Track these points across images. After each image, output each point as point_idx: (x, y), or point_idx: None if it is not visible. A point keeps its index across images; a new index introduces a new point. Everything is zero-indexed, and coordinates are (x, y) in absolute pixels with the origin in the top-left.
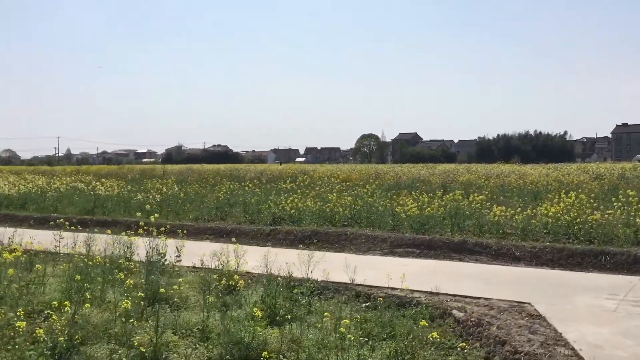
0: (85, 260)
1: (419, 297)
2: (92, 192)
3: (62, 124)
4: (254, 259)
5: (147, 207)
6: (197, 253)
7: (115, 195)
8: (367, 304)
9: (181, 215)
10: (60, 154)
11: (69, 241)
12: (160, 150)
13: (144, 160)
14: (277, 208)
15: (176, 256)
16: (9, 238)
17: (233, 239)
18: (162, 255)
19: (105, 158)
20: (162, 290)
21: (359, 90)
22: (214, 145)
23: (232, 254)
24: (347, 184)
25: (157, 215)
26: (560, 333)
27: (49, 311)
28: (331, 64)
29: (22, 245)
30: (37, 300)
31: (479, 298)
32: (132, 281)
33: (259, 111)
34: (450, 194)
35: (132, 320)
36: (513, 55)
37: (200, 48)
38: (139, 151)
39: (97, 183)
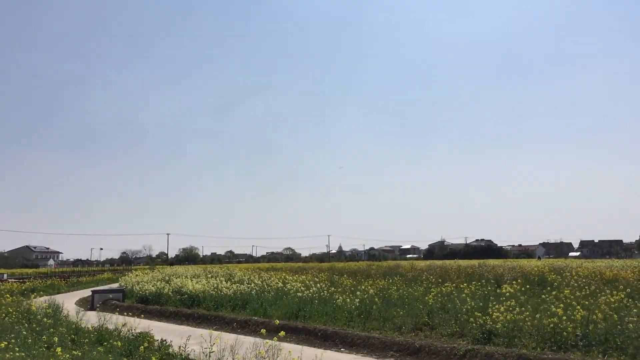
0: None
1: None
2: (295, 294)
3: (333, 222)
4: None
5: (345, 313)
6: None
7: (322, 297)
8: None
9: (382, 322)
10: (332, 251)
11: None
12: (423, 245)
13: (408, 256)
14: (489, 319)
15: None
16: (179, 347)
17: None
18: None
19: (370, 254)
20: None
21: None
22: (477, 240)
23: None
24: (610, 285)
25: (351, 323)
26: None
27: None
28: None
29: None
30: None
31: None
32: None
33: (525, 204)
34: None
35: None
36: None
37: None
38: (404, 247)
39: (311, 282)
